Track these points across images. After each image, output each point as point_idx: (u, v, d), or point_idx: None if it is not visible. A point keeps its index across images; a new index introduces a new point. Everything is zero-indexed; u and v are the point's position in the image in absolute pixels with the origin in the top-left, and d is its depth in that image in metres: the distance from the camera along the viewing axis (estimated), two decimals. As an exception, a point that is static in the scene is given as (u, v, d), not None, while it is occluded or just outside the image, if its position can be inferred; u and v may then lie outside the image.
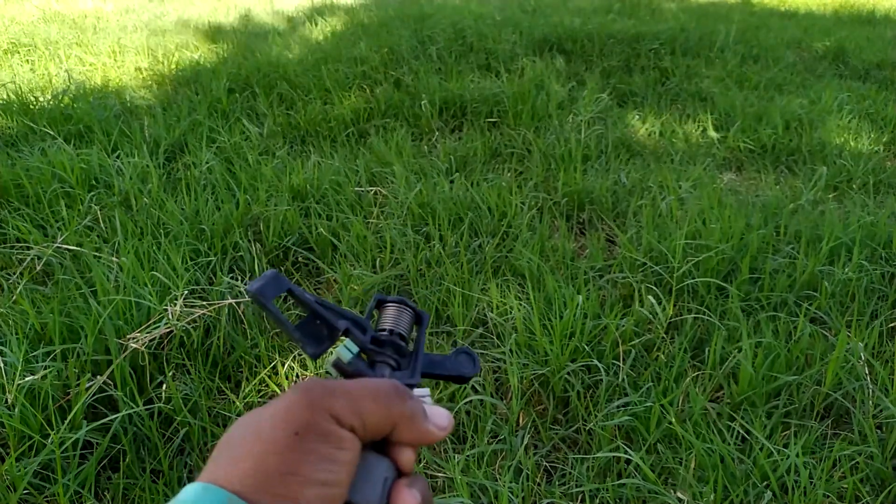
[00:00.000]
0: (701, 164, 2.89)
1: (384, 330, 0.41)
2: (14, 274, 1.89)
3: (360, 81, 3.71)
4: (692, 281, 1.92)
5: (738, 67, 4.26)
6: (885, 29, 5.71)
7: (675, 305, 1.85)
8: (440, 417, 0.36)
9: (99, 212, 2.20)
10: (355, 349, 0.38)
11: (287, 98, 3.52)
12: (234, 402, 1.54)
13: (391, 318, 0.42)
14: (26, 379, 1.38)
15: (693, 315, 1.81)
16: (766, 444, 1.38)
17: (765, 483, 1.34)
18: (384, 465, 0.34)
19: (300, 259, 2.14)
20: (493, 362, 1.68)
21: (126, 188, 2.34)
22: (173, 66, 4.07)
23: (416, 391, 0.38)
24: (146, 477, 1.36)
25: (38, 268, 1.89)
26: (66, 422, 1.35)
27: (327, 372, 0.39)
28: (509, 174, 2.72)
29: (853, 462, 1.41)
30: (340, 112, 3.30)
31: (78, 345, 1.54)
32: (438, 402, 1.54)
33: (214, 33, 4.97)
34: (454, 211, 2.29)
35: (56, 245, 1.93)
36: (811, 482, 1.33)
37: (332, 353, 0.38)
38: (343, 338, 0.38)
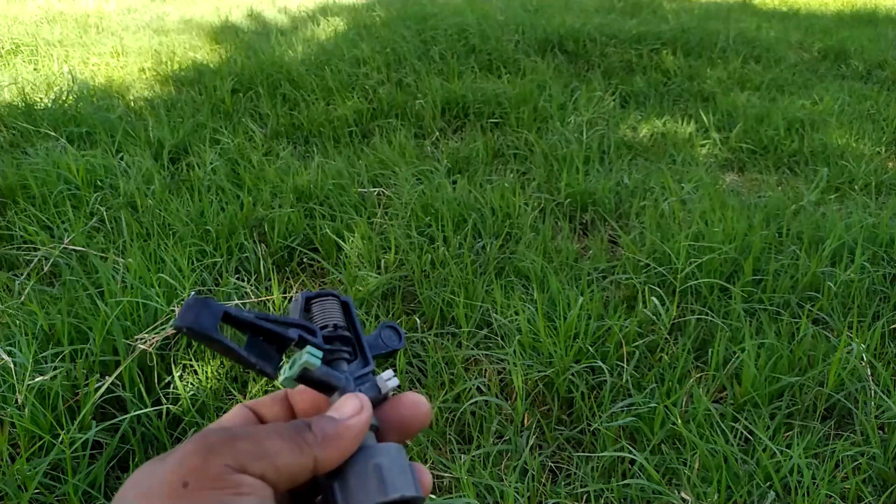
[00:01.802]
0: (703, 165, 2.90)
1: (326, 326, 0.39)
2: (22, 275, 1.90)
3: (363, 82, 3.72)
4: (695, 282, 1.94)
5: (739, 68, 4.27)
6: (887, 29, 5.71)
7: (678, 307, 1.86)
8: (345, 407, 0.33)
9: (105, 213, 2.21)
10: (320, 354, 0.35)
11: (290, 98, 3.54)
12: (241, 402, 1.55)
13: (325, 312, 0.40)
14: (36, 379, 1.40)
15: (696, 316, 1.83)
16: (769, 444, 1.40)
17: (768, 483, 1.35)
18: (371, 453, 0.32)
19: (305, 260, 2.15)
20: (497, 363, 1.70)
21: (131, 189, 2.35)
22: (176, 67, 4.08)
23: (383, 374, 0.37)
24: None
25: (46, 269, 1.90)
26: (76, 422, 1.36)
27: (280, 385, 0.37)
28: (512, 175, 2.73)
29: (856, 463, 1.42)
30: (343, 112, 3.31)
31: (86, 346, 1.55)
32: (443, 403, 1.56)
33: (217, 33, 4.98)
34: (457, 212, 2.30)
35: (63, 246, 1.94)
36: (814, 482, 1.34)
37: (285, 365, 0.36)
38: (294, 347, 0.36)
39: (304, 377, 0.35)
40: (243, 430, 0.29)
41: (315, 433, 0.31)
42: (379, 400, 0.37)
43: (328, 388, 0.36)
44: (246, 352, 0.33)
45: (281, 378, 0.35)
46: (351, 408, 0.33)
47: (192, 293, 0.32)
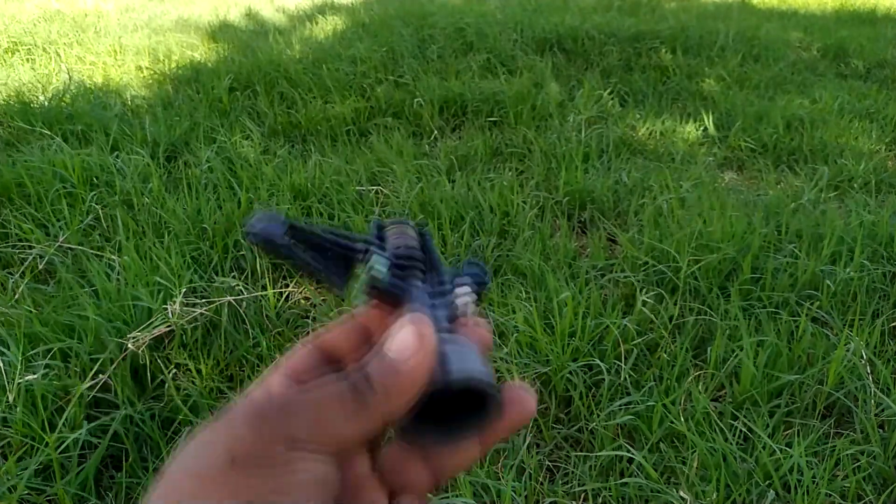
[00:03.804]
0: (702, 163, 2.89)
1: (398, 247, 0.36)
2: (16, 273, 1.89)
3: (361, 80, 3.71)
4: (696, 281, 1.92)
5: (738, 67, 4.26)
6: (886, 28, 5.71)
7: (676, 305, 1.85)
8: (404, 343, 0.28)
9: (100, 211, 2.19)
10: (387, 263, 0.33)
11: (288, 97, 3.52)
12: (235, 401, 1.54)
13: (398, 236, 0.37)
14: (26, 378, 1.38)
15: (695, 316, 1.81)
16: (768, 442, 1.38)
17: (767, 482, 1.34)
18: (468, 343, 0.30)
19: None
20: (495, 362, 1.68)
21: (127, 188, 2.34)
22: (174, 65, 4.06)
23: (458, 289, 0.34)
24: (149, 476, 1.36)
25: (41, 267, 1.89)
26: (64, 421, 1.34)
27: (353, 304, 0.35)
28: (510, 173, 2.72)
29: (856, 461, 1.41)
30: (341, 111, 3.29)
31: (78, 344, 1.54)
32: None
33: (215, 32, 4.97)
34: (455, 210, 2.29)
35: (58, 244, 1.93)
36: (814, 481, 1.33)
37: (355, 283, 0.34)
38: (362, 264, 0.34)
39: (374, 288, 0.33)
40: (299, 398, 0.26)
41: (376, 389, 0.27)
42: (453, 318, 0.34)
43: (398, 301, 0.33)
44: (314, 260, 0.32)
45: (353, 296, 0.33)
46: (410, 342, 0.28)
47: (259, 209, 0.30)
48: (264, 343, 1.69)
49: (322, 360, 0.32)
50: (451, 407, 0.29)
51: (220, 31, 5.01)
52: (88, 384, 1.40)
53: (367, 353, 0.29)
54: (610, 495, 1.33)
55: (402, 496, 0.30)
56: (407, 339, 0.28)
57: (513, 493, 1.32)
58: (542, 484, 1.39)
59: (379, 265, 0.33)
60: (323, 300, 1.91)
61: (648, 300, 1.82)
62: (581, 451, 1.46)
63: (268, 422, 0.25)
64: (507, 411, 0.29)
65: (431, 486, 0.30)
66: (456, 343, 0.30)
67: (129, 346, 1.47)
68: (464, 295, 0.34)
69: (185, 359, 1.62)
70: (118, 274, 1.81)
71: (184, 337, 1.64)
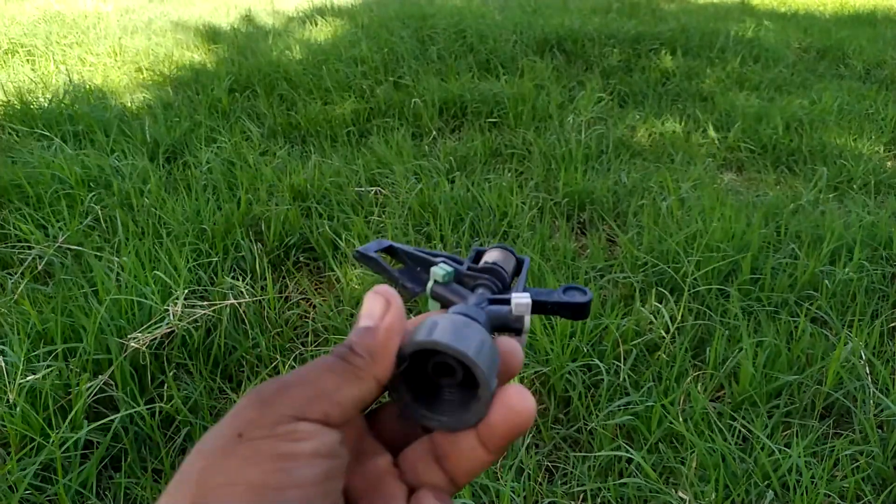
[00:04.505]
0: (701, 164, 2.89)
1: (484, 262, 0.40)
2: (16, 274, 1.89)
3: (361, 81, 3.71)
4: (700, 282, 1.92)
5: (738, 68, 4.27)
6: (886, 29, 5.71)
7: (677, 305, 1.85)
8: (374, 309, 0.30)
9: (100, 211, 2.19)
10: (450, 268, 0.37)
11: (287, 98, 3.53)
12: (235, 401, 1.54)
13: (491, 257, 0.40)
14: (27, 379, 1.38)
15: (694, 317, 1.81)
16: (767, 443, 1.38)
17: (766, 482, 1.34)
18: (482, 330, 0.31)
19: (301, 259, 2.14)
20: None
21: (126, 188, 2.34)
22: (174, 67, 4.07)
23: (514, 295, 0.34)
24: (147, 476, 1.36)
25: (40, 267, 1.89)
26: (67, 421, 1.35)
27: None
28: (510, 174, 2.72)
29: (855, 462, 1.41)
30: (341, 112, 3.30)
31: (79, 345, 1.54)
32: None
33: (215, 34, 4.97)
34: (455, 211, 2.29)
35: (57, 245, 1.93)
36: (813, 481, 1.33)
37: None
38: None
39: (436, 292, 0.37)
40: (295, 376, 0.28)
41: (360, 353, 0.29)
42: (507, 319, 0.34)
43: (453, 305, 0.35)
44: (393, 270, 0.39)
45: (423, 301, 0.38)
46: (378, 307, 0.30)
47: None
48: (263, 344, 1.69)
49: None
50: (454, 395, 0.30)
51: (219, 33, 5.02)
52: (90, 384, 1.40)
53: None
54: (609, 495, 1.33)
55: (419, 491, 0.31)
56: (376, 305, 0.30)
57: (512, 494, 1.32)
58: (540, 484, 1.39)
59: (440, 270, 0.37)
60: (322, 300, 1.91)
61: (651, 301, 1.82)
62: (580, 451, 1.46)
63: (269, 399, 0.27)
64: (503, 406, 0.30)
65: (449, 487, 0.31)
66: (456, 318, 0.30)
67: (133, 344, 1.47)
68: (521, 297, 0.34)
69: (184, 359, 1.62)
70: (117, 274, 1.81)
71: (185, 337, 1.64)
